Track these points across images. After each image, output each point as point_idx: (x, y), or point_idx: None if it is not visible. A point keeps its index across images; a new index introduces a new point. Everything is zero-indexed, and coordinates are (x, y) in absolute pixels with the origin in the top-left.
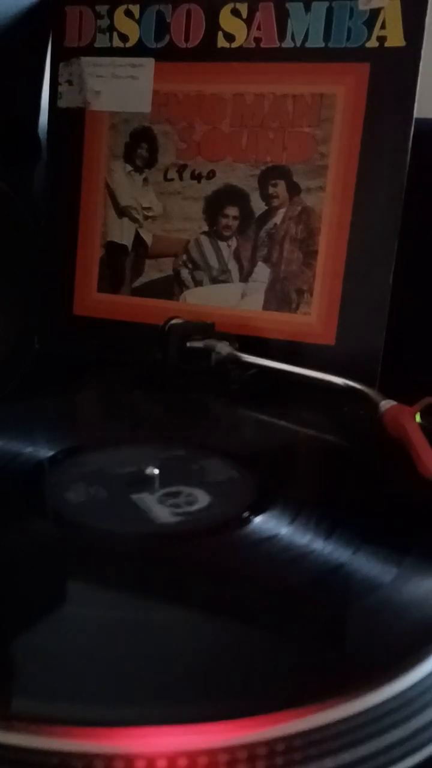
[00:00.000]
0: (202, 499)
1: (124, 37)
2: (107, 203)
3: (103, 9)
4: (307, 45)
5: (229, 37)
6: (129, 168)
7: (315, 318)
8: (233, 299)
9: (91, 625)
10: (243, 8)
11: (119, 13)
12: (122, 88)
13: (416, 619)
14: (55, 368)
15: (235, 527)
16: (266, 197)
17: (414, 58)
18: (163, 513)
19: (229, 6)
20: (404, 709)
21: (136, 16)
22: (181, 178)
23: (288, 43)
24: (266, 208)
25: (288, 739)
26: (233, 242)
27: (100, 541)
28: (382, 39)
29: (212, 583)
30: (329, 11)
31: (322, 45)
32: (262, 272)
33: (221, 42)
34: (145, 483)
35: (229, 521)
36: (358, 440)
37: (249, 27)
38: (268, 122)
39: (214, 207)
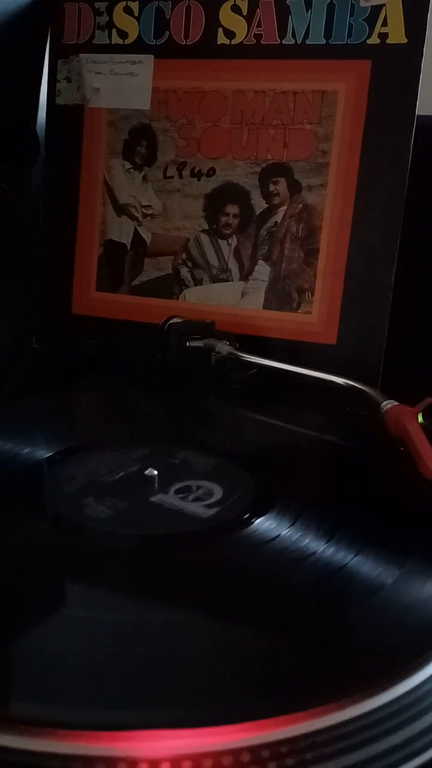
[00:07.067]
0: (203, 499)
1: (123, 34)
2: (106, 201)
3: (102, 5)
4: (308, 42)
5: (230, 34)
6: (128, 165)
7: (316, 317)
8: (233, 298)
9: (91, 627)
10: (243, 5)
11: (118, 10)
12: (121, 85)
13: (419, 622)
14: (54, 368)
15: (235, 529)
16: (267, 195)
17: (416, 55)
18: (162, 513)
19: (230, 2)
20: (406, 711)
21: (136, 12)
22: (180, 176)
23: (289, 40)
24: (267, 206)
25: (288, 743)
26: (233, 240)
27: (99, 542)
28: (383, 36)
29: (213, 585)
30: (330, 8)
31: (323, 42)
32: (262, 271)
33: (221, 39)
34: (144, 483)
35: (230, 522)
36: (360, 441)
37: (249, 24)
38: (269, 119)
39: (214, 205)
